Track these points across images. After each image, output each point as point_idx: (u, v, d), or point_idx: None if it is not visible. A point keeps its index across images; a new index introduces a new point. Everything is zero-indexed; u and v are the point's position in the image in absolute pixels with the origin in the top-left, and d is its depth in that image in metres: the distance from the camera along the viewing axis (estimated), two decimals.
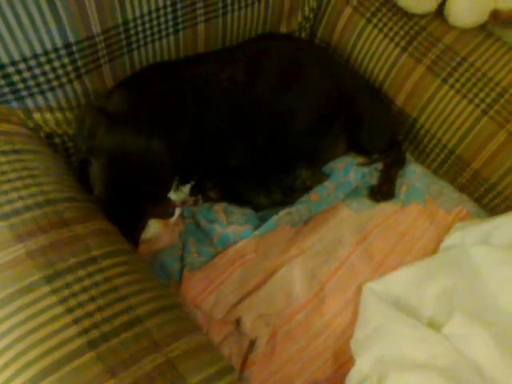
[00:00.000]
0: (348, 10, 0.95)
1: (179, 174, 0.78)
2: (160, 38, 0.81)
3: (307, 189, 0.89)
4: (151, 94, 0.72)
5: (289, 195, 0.89)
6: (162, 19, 0.79)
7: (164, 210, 0.82)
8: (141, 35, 0.78)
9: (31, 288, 0.51)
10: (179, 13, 0.80)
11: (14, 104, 0.70)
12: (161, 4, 0.76)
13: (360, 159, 0.94)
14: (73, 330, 0.48)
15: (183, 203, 0.87)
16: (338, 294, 0.75)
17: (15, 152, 0.64)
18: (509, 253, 0.72)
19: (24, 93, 0.70)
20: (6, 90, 0.68)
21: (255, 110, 0.83)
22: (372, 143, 0.94)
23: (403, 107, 0.93)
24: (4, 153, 0.63)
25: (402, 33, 0.90)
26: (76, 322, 0.49)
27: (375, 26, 0.93)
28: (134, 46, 0.78)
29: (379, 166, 0.95)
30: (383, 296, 0.71)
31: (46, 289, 0.51)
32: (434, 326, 0.68)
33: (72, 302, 0.50)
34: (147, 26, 0.77)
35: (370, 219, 0.84)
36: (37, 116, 0.73)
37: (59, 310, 0.49)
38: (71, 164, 0.74)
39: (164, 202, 0.81)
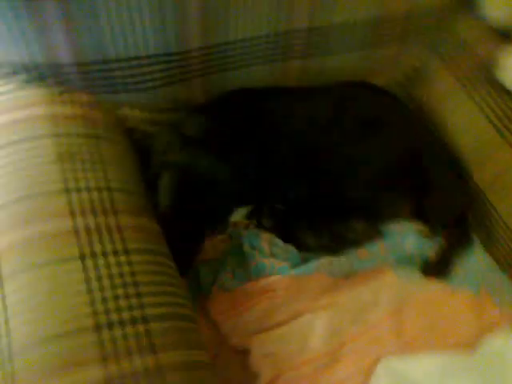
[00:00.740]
0: (448, 78, 0.93)
1: (240, 200, 0.81)
2: (254, 64, 0.86)
3: (357, 242, 0.86)
4: (227, 121, 0.79)
5: (337, 244, 0.87)
6: (262, 47, 0.83)
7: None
8: (237, 58, 0.83)
9: (65, 260, 0.55)
10: (279, 44, 0.84)
11: (109, 96, 0.78)
12: (263, 32, 0.81)
13: (422, 227, 0.89)
14: (86, 309, 0.51)
15: (235, 224, 0.89)
16: (354, 358, 0.71)
17: (96, 137, 0.71)
18: None
19: (119, 88, 0.77)
20: (105, 82, 0.76)
21: (325, 154, 0.84)
22: (438, 214, 0.89)
23: (480, 186, 0.88)
24: (87, 135, 0.71)
25: (500, 113, 0.86)
26: (91, 303, 0.52)
27: (473, 99, 0.89)
28: (228, 66, 0.84)
29: (441, 240, 0.89)
30: (399, 376, 0.67)
31: (78, 265, 0.55)
32: None
33: (94, 284, 0.54)
34: (246, 50, 0.82)
35: (413, 292, 0.79)
36: (125, 111, 0.81)
37: (81, 287, 0.53)
38: (143, 162, 0.80)
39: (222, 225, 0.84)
